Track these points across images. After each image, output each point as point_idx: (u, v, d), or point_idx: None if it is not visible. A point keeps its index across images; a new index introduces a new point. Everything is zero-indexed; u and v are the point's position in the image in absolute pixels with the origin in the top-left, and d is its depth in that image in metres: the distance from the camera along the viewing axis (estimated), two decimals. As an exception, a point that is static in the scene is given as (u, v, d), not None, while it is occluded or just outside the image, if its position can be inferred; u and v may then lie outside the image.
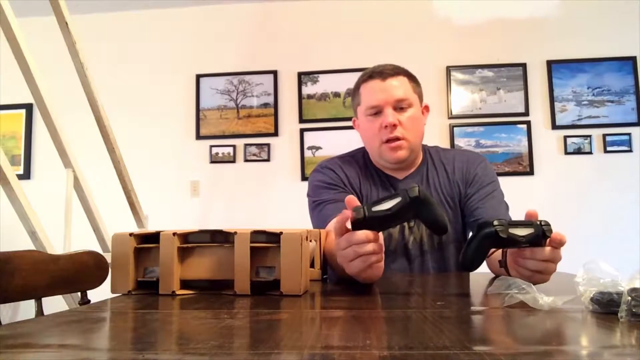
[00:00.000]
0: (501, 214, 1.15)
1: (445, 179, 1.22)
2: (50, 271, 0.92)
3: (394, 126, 1.14)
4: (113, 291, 0.81)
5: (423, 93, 1.26)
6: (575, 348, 0.49)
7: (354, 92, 1.25)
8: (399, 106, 1.15)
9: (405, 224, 1.18)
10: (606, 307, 0.55)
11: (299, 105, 3.28)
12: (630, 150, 3.03)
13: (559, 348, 0.48)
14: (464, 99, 3.17)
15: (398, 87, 1.16)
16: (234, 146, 3.28)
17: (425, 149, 1.30)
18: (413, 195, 0.75)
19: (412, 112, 1.17)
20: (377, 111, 1.16)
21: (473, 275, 1.02)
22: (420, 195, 0.75)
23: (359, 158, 1.27)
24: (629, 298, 0.51)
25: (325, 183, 1.21)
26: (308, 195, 1.26)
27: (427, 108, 1.27)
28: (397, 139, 1.14)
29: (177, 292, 0.79)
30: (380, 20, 3.27)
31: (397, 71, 1.18)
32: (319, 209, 1.18)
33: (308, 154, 3.21)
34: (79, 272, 0.99)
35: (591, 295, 0.56)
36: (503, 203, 1.20)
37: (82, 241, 1.69)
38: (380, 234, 0.79)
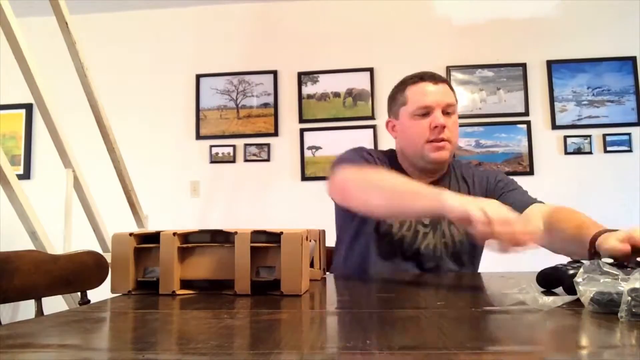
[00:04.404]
0: (527, 199, 1.18)
1: (466, 192, 1.25)
2: (50, 271, 0.92)
3: (443, 127, 1.16)
4: (113, 291, 0.81)
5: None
6: (576, 348, 0.49)
7: (396, 94, 1.25)
8: (447, 110, 1.19)
9: (420, 228, 1.19)
10: (606, 307, 0.55)
11: (299, 105, 3.27)
12: (630, 150, 3.03)
13: (560, 348, 0.48)
14: (464, 98, 3.17)
15: (447, 92, 1.20)
16: (234, 146, 3.28)
17: (449, 161, 1.31)
18: None
19: (455, 118, 1.21)
20: (427, 112, 1.18)
21: (472, 275, 1.02)
22: None
23: (388, 157, 1.30)
24: (629, 298, 0.51)
25: (372, 153, 1.25)
26: (344, 153, 1.25)
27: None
28: (443, 139, 1.17)
29: (177, 292, 0.79)
30: (380, 20, 3.27)
31: (443, 79, 1.23)
32: (358, 153, 1.22)
33: (308, 154, 3.21)
34: (79, 272, 0.99)
35: (591, 295, 0.56)
36: (527, 193, 1.23)
37: (82, 241, 1.69)
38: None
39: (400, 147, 1.27)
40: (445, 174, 1.27)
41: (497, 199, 1.17)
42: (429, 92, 1.18)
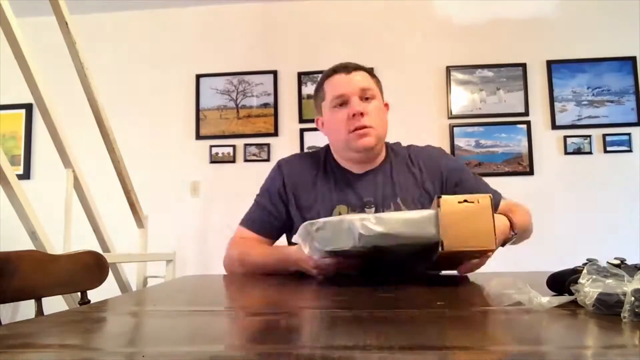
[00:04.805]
0: (481, 189, 1.17)
1: (412, 181, 1.22)
2: (50, 271, 0.92)
3: (362, 114, 1.15)
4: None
5: (383, 90, 1.28)
6: (579, 348, 0.49)
7: (317, 91, 1.27)
8: (364, 96, 1.18)
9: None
10: (610, 307, 0.55)
11: (298, 105, 3.27)
12: (630, 150, 3.03)
13: (563, 348, 0.47)
14: (464, 99, 3.17)
15: (362, 79, 1.20)
16: (234, 146, 3.28)
17: (388, 146, 1.29)
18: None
19: (377, 103, 1.20)
20: (343, 101, 1.18)
21: (471, 275, 1.02)
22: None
23: (320, 155, 1.29)
24: (633, 298, 0.51)
25: (271, 187, 1.27)
26: (262, 185, 1.31)
27: (387, 105, 1.29)
28: (365, 126, 1.16)
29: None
30: (380, 20, 3.27)
31: (358, 67, 1.23)
32: (254, 206, 1.29)
33: (308, 154, 3.21)
34: (79, 272, 0.98)
35: (595, 296, 0.56)
36: (479, 180, 1.25)
37: (82, 241, 1.69)
38: None
39: (330, 142, 1.27)
40: (383, 161, 1.25)
41: (453, 188, 1.20)
42: (342, 82, 1.19)
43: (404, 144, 1.33)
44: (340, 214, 1.17)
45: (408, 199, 1.18)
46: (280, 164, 1.30)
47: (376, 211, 1.16)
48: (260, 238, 1.23)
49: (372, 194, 1.19)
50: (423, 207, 1.17)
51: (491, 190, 1.17)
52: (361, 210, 1.17)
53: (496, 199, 1.14)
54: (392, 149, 1.28)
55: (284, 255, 1.10)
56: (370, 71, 1.25)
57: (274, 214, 1.23)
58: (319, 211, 1.17)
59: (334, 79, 1.21)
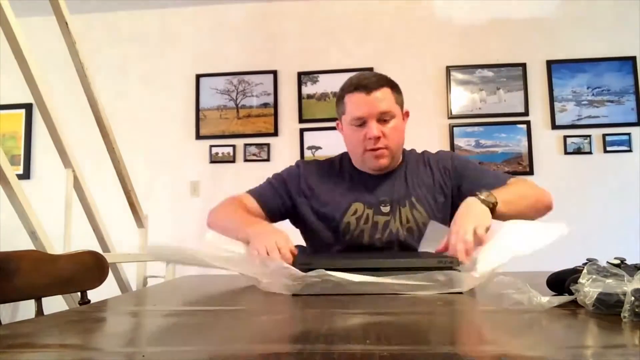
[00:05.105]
0: (489, 182, 1.18)
1: (425, 181, 1.27)
2: (50, 271, 0.92)
3: (378, 138, 1.19)
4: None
5: (403, 100, 1.30)
6: (579, 348, 0.49)
7: (338, 100, 1.29)
8: (383, 118, 1.20)
9: (379, 218, 1.21)
10: (610, 307, 0.55)
11: (298, 105, 3.27)
12: (630, 150, 3.03)
13: (563, 348, 0.47)
14: (464, 99, 3.17)
15: (382, 100, 1.20)
16: (233, 146, 3.28)
17: (404, 152, 1.35)
18: None
19: (395, 122, 1.22)
20: (362, 122, 1.20)
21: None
22: None
23: (336, 160, 1.36)
24: (633, 298, 0.51)
25: (285, 176, 1.31)
26: (277, 172, 1.35)
27: (407, 114, 1.31)
28: (380, 148, 1.20)
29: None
30: (380, 20, 3.27)
31: (381, 83, 1.21)
32: (266, 183, 1.32)
33: (308, 154, 3.21)
34: (79, 272, 0.98)
35: (595, 296, 0.56)
36: (482, 173, 1.28)
37: (82, 241, 1.69)
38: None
39: (348, 150, 1.32)
40: (399, 165, 1.30)
41: (455, 187, 1.25)
42: (362, 103, 1.19)
43: (409, 146, 1.37)
44: (356, 210, 1.22)
45: (421, 197, 1.24)
46: (298, 163, 1.35)
47: (390, 210, 1.21)
48: (259, 211, 1.25)
49: (388, 194, 1.23)
50: (436, 202, 1.24)
51: (494, 179, 1.21)
52: (377, 208, 1.22)
53: (500, 184, 1.17)
54: (408, 154, 1.34)
55: (249, 224, 1.10)
56: (391, 84, 1.24)
57: (282, 198, 1.27)
58: (333, 207, 1.23)
59: (354, 96, 1.21)
